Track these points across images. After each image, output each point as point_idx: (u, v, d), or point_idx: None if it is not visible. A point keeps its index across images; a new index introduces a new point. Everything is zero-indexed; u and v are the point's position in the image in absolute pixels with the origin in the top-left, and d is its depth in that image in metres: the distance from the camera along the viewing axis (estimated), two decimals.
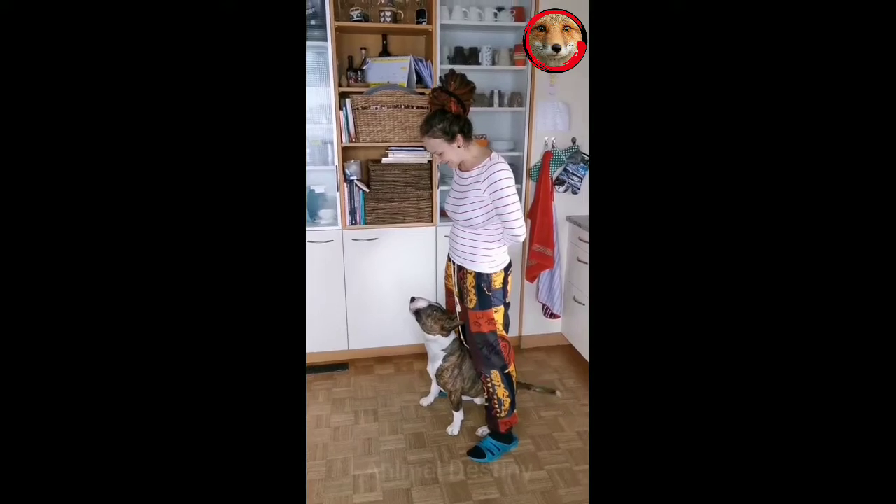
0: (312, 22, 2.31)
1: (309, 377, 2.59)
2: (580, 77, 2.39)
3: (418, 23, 2.44)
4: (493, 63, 2.58)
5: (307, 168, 2.41)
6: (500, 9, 2.55)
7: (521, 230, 1.81)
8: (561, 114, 2.59)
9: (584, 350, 2.66)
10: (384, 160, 2.51)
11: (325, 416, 2.30)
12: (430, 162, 2.52)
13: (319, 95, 2.46)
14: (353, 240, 2.55)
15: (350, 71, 2.49)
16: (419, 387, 2.53)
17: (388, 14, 2.40)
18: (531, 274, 2.70)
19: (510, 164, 1.91)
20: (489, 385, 2.00)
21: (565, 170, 2.66)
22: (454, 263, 1.97)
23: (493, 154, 1.83)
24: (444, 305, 2.15)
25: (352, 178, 2.50)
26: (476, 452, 2.03)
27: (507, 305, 1.98)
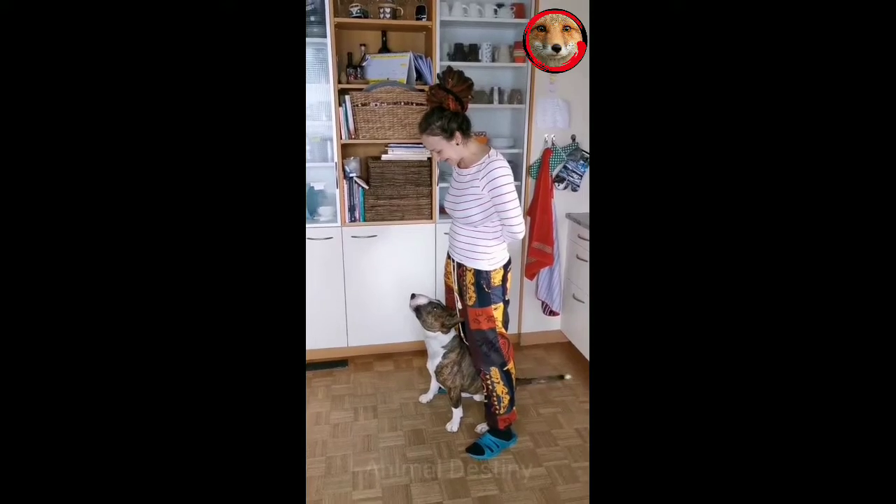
0: (312, 18, 2.30)
1: (308, 374, 2.59)
2: (580, 75, 2.38)
3: (418, 19, 2.43)
4: (493, 60, 2.58)
5: (306, 165, 2.41)
6: (499, 5, 2.55)
7: (520, 227, 1.81)
8: (561, 111, 2.59)
9: (583, 347, 2.66)
10: (384, 157, 2.50)
11: (324, 412, 2.31)
12: (429, 159, 2.52)
13: (319, 92, 2.45)
14: (353, 237, 2.55)
15: (349, 67, 2.49)
16: (418, 384, 2.54)
17: (388, 10, 2.39)
18: (530, 271, 2.71)
19: (510, 162, 1.91)
20: (488, 382, 2.00)
21: (565, 167, 2.65)
22: (454, 261, 1.97)
23: (492, 151, 1.83)
24: (443, 302, 2.15)
25: (351, 174, 2.49)
26: (475, 449, 2.04)
27: (506, 302, 1.98)
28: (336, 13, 2.32)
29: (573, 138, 2.65)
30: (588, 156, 2.65)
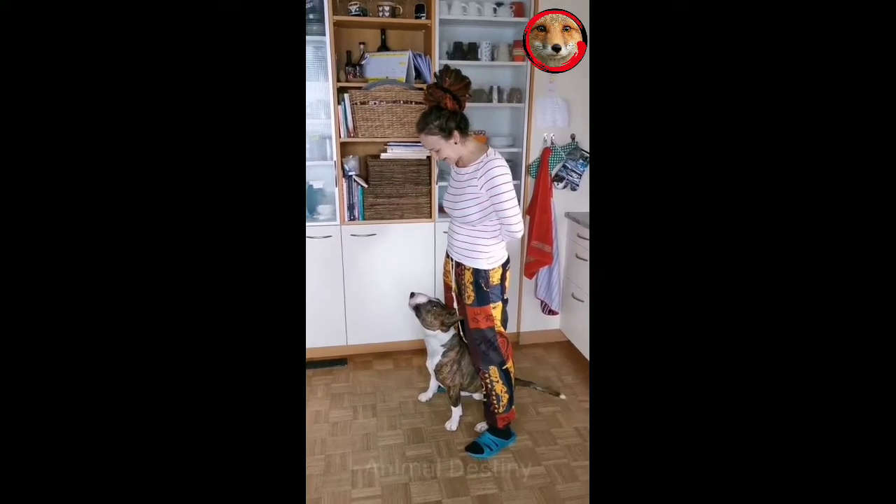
0: (311, 16, 2.30)
1: (308, 373, 2.59)
2: (580, 74, 2.38)
3: (417, 17, 2.43)
4: (492, 58, 2.58)
5: (306, 163, 2.41)
6: (499, 4, 2.55)
7: (518, 227, 1.81)
8: (560, 110, 2.59)
9: (583, 347, 2.66)
10: (383, 156, 2.50)
11: (323, 411, 2.31)
12: (428, 157, 2.52)
13: (318, 90, 2.45)
14: (352, 235, 2.54)
15: (348, 66, 2.49)
16: (418, 382, 2.54)
17: (387, 8, 2.39)
18: (530, 270, 2.71)
19: (509, 161, 1.91)
20: (487, 381, 2.01)
21: (564, 166, 2.65)
22: (452, 259, 1.97)
23: (490, 150, 1.83)
24: (443, 301, 2.15)
25: (350, 173, 2.49)
26: (474, 448, 2.04)
27: (505, 301, 1.98)
28: (335, 11, 2.32)
29: (572, 137, 2.65)
30: (587, 155, 2.65)
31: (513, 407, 2.07)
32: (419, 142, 1.91)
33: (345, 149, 2.55)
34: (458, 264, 1.94)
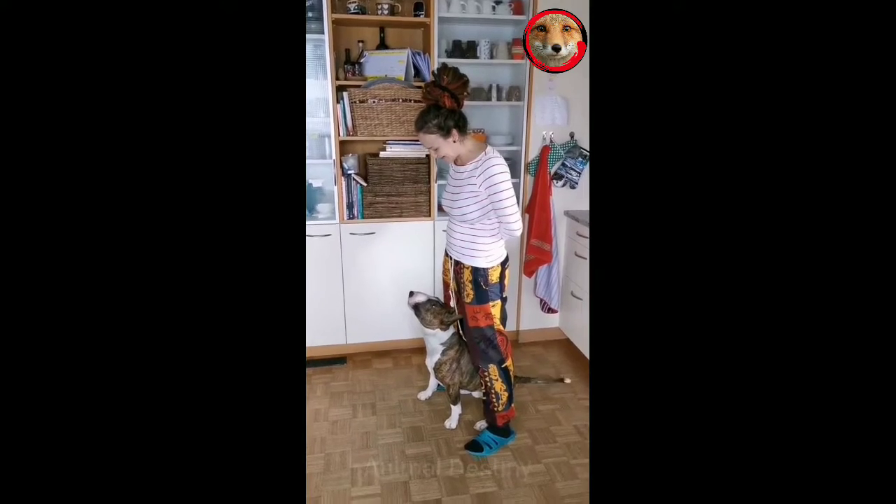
0: (309, 14, 2.29)
1: (307, 371, 2.59)
2: (579, 73, 2.37)
3: (416, 15, 2.43)
4: (492, 57, 2.57)
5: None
6: (498, 2, 2.54)
7: (517, 225, 1.81)
8: (559, 108, 2.59)
9: (582, 345, 2.67)
10: (382, 154, 2.50)
11: (323, 409, 2.31)
12: (427, 156, 2.52)
13: (316, 89, 2.44)
14: (351, 234, 2.54)
15: (347, 64, 2.48)
16: (417, 381, 2.54)
17: (386, 6, 2.38)
18: (529, 268, 2.71)
19: (508, 159, 1.90)
20: (487, 379, 2.01)
21: (563, 164, 2.65)
22: (451, 258, 1.97)
23: (489, 149, 1.83)
24: (442, 300, 2.15)
25: (349, 171, 2.49)
26: (474, 446, 2.04)
27: (504, 300, 1.98)
28: (334, 9, 2.31)
29: (572, 135, 2.65)
30: (586, 153, 2.65)
31: (512, 405, 2.07)
32: (418, 140, 1.91)
33: (344, 147, 2.55)
34: (457, 263, 1.94)
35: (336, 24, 2.38)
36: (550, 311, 2.80)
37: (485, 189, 1.77)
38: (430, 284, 2.65)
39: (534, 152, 2.64)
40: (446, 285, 2.08)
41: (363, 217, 2.54)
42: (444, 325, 2.06)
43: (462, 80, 1.76)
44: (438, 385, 2.36)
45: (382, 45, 2.56)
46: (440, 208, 2.37)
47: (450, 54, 2.56)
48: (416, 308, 2.09)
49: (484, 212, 1.81)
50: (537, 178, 2.62)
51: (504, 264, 1.93)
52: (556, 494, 1.83)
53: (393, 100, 2.39)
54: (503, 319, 2.02)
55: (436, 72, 1.79)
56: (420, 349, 2.68)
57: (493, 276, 1.90)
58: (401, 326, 2.72)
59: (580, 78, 2.50)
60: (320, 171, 2.60)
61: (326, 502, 1.78)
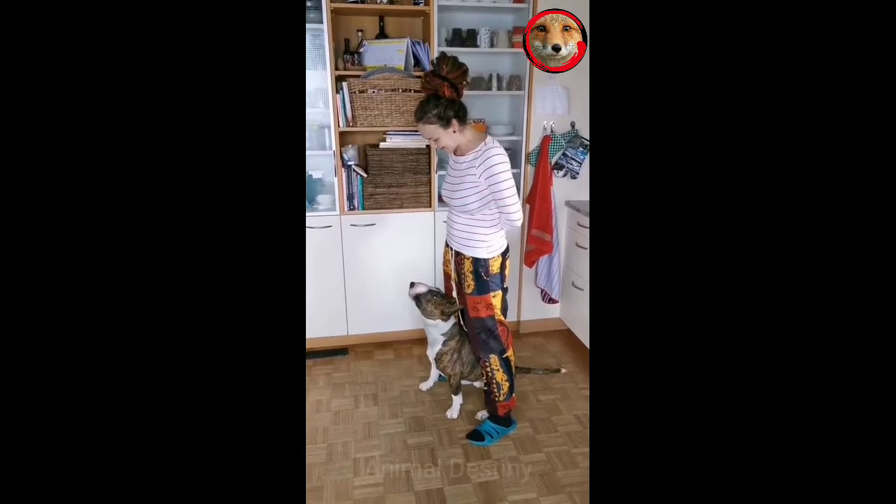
0: (308, 4, 2.27)
1: (309, 362, 2.61)
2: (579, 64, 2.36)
3: (415, 4, 2.40)
4: (492, 45, 2.55)
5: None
6: None
7: (517, 215, 1.81)
8: (560, 98, 2.57)
9: (582, 335, 2.67)
10: (382, 145, 2.49)
11: (325, 400, 2.32)
12: (428, 147, 2.50)
13: (316, 79, 2.43)
14: (352, 225, 2.54)
15: (346, 54, 2.46)
16: (418, 371, 2.55)
17: None
18: (530, 259, 2.71)
19: (508, 149, 1.90)
20: (488, 369, 2.01)
21: (564, 154, 2.64)
22: (452, 249, 1.97)
23: (489, 139, 1.82)
24: (442, 290, 2.15)
25: (349, 162, 2.48)
26: (475, 436, 2.05)
27: (505, 290, 1.99)
28: None
29: (572, 125, 2.63)
30: (587, 143, 2.63)
31: (513, 395, 2.08)
32: (418, 131, 1.90)
33: (344, 138, 2.54)
34: (458, 253, 1.93)
35: (335, 13, 2.36)
36: (551, 301, 2.80)
37: (485, 179, 1.77)
38: (430, 275, 2.66)
39: (534, 142, 2.63)
40: (447, 276, 2.08)
41: (363, 208, 2.53)
42: (445, 316, 2.06)
43: (462, 69, 1.75)
44: (440, 375, 2.37)
45: (382, 35, 2.54)
46: (440, 199, 2.36)
47: (449, 43, 2.54)
48: (417, 299, 2.09)
49: (484, 202, 1.81)
50: (538, 169, 2.61)
51: (504, 255, 1.93)
52: (557, 483, 1.84)
53: (393, 90, 2.38)
54: (504, 310, 2.02)
55: (435, 61, 1.78)
56: (421, 340, 2.69)
57: (494, 267, 1.90)
58: (402, 317, 2.72)
59: (581, 67, 2.46)
60: (320, 162, 2.59)
61: (329, 492, 1.79)
